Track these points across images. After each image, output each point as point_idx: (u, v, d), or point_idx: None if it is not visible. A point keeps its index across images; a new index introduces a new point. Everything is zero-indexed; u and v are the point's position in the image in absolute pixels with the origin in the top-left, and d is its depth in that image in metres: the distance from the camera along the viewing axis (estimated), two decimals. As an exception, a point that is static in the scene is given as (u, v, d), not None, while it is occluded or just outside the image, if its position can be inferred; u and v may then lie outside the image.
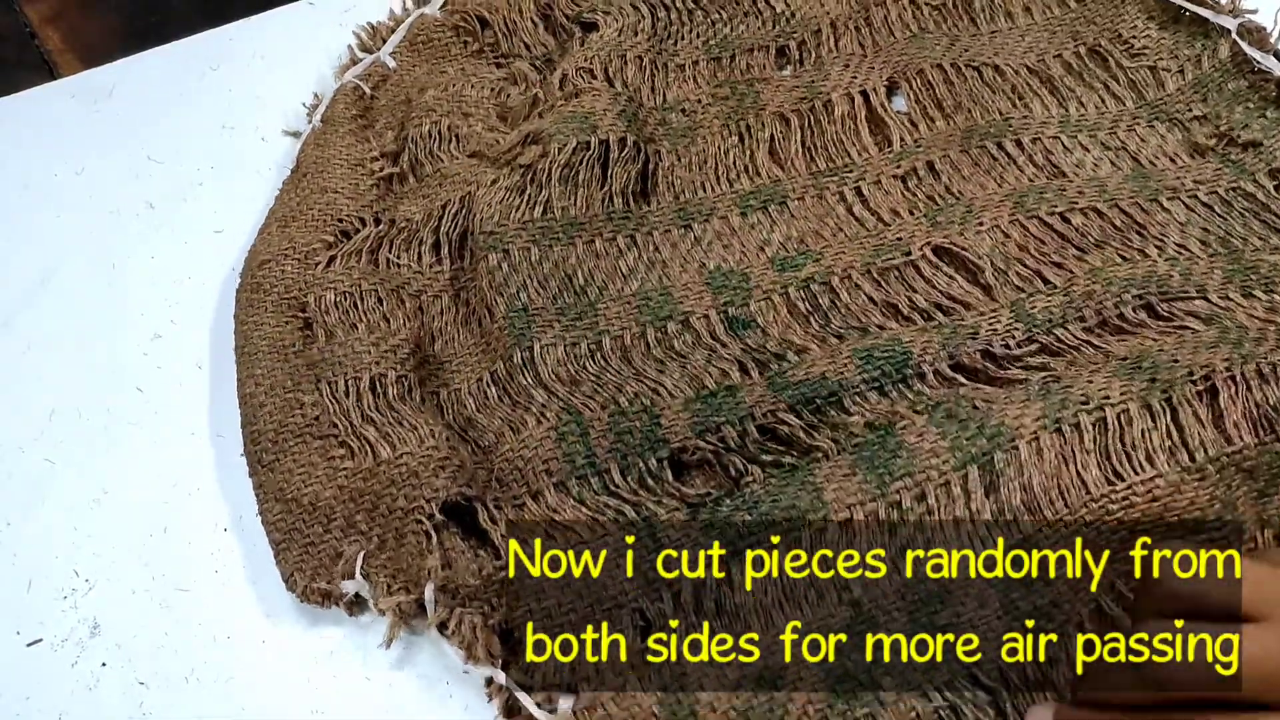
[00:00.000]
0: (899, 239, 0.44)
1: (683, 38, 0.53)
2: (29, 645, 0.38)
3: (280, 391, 0.40)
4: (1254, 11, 0.47)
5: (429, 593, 0.35)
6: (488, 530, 0.37)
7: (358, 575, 0.36)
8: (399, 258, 0.44)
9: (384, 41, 0.53)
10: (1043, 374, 0.37)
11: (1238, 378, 0.35)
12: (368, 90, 0.51)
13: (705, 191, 0.46)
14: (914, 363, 0.39)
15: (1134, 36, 0.49)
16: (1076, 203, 0.44)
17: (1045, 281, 0.41)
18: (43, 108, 0.53)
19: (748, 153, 0.48)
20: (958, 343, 0.40)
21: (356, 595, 0.36)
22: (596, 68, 0.48)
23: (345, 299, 0.42)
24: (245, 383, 0.41)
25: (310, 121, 0.50)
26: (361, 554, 0.37)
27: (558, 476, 0.38)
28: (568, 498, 0.37)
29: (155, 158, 0.50)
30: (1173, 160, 0.46)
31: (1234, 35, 0.47)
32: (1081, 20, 0.51)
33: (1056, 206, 0.44)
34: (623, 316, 0.42)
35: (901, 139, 0.48)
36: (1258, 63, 0.46)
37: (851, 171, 0.47)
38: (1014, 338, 0.40)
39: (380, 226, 0.45)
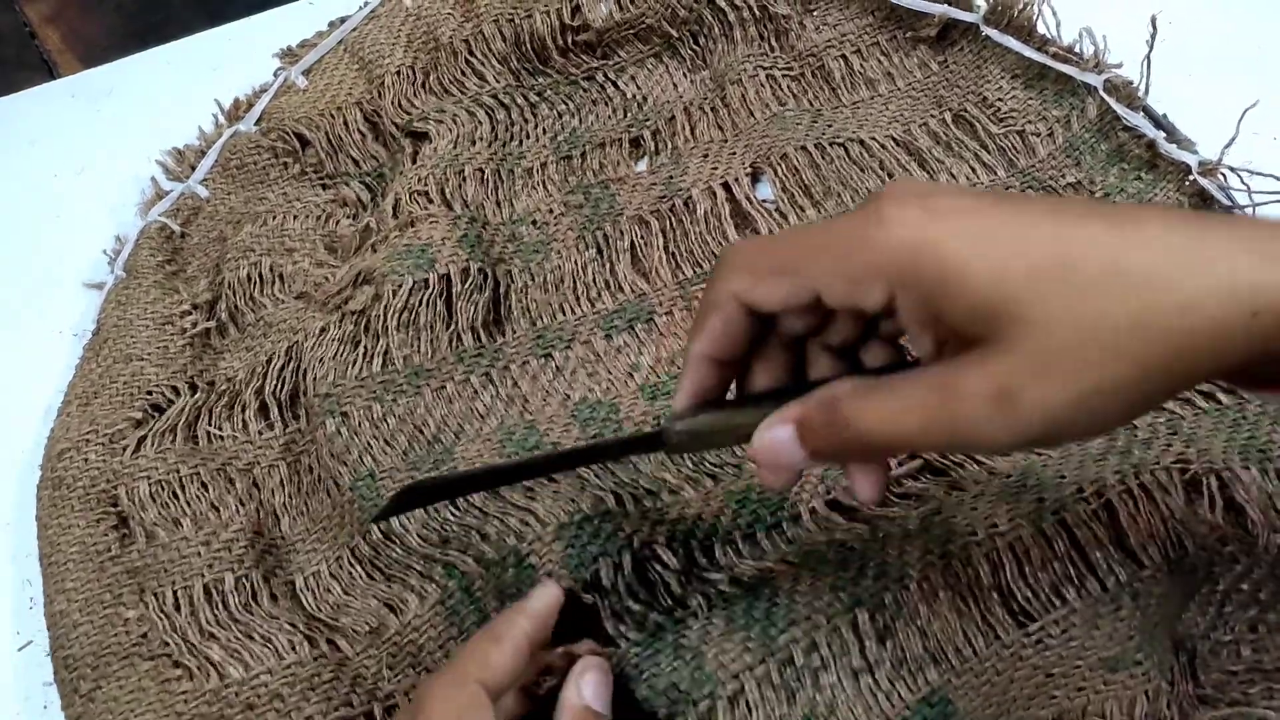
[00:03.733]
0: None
1: (528, 136, 0.53)
2: None
3: (98, 607, 0.38)
4: (1119, 66, 0.49)
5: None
6: None
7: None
8: (221, 429, 0.43)
9: (193, 169, 0.51)
10: (921, 507, 0.38)
11: (1134, 491, 0.37)
12: (176, 229, 0.50)
13: (565, 315, 0.46)
14: (790, 504, 0.39)
15: (999, 99, 0.51)
16: (956, 291, 0.45)
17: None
18: (43, 108, 0.56)
19: (607, 266, 0.48)
20: (836, 474, 0.40)
21: None
22: (432, 188, 0.48)
23: (162, 489, 0.41)
24: (55, 599, 0.39)
25: (112, 272, 0.48)
26: (201, 800, 0.35)
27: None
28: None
29: (155, 158, 0.53)
30: (1051, 233, 0.47)
31: (1100, 93, 0.49)
32: (944, 84, 0.53)
33: (936, 297, 0.44)
34: (485, 454, 0.41)
35: (770, 233, 0.48)
36: (1127, 121, 0.48)
37: (719, 276, 0.47)
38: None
39: (197, 394, 0.44)
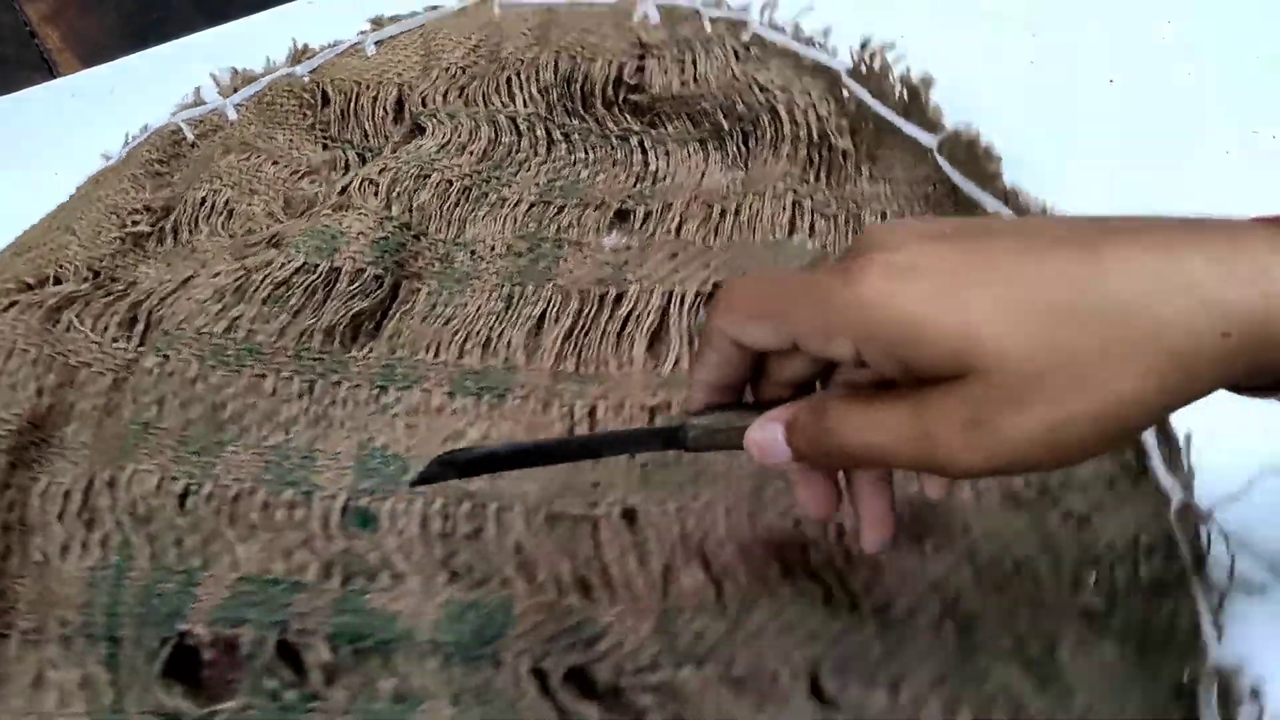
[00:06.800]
0: (594, 485, 0.39)
1: (528, 169, 0.50)
2: None
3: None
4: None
5: None
6: None
7: None
8: (82, 323, 0.44)
9: (235, 91, 0.53)
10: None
11: None
12: (190, 137, 0.51)
13: (426, 354, 0.43)
14: (505, 648, 0.34)
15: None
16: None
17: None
18: (43, 108, 0.56)
19: (501, 325, 0.44)
20: (570, 643, 0.34)
21: None
22: (384, 182, 0.46)
23: (-7, 352, 0.42)
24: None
25: (122, 152, 0.51)
26: None
27: (70, 628, 0.36)
28: (68, 657, 0.35)
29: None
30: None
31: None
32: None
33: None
34: (244, 467, 0.39)
35: (676, 364, 0.42)
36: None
37: (597, 385, 0.42)
38: (639, 660, 0.34)
39: (88, 283, 0.45)
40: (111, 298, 0.45)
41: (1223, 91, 0.48)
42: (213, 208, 0.48)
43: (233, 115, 0.52)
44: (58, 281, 0.45)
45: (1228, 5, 0.52)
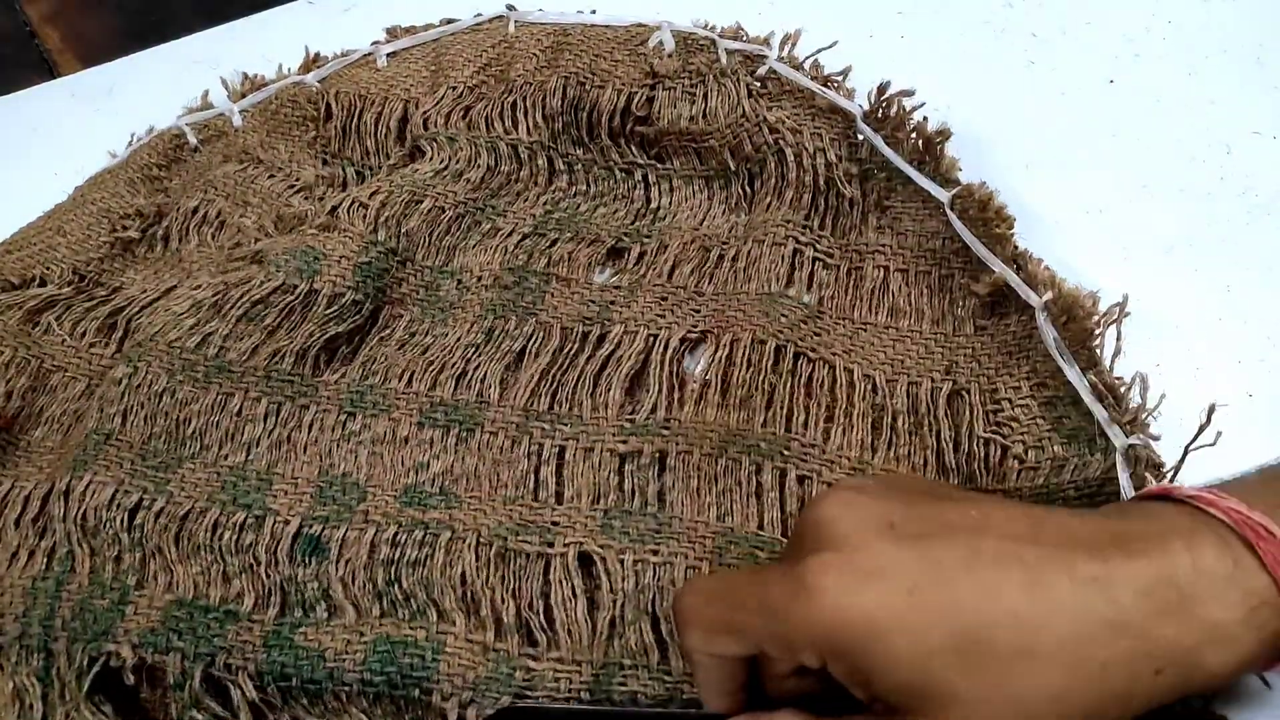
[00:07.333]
0: (554, 524, 0.38)
1: (526, 199, 0.48)
2: None
3: None
4: (1157, 438, 0.37)
5: None
6: None
7: None
8: (61, 326, 0.43)
9: (242, 96, 0.52)
10: None
11: None
12: (194, 141, 0.51)
13: (398, 382, 0.42)
14: (433, 688, 0.34)
15: (1009, 400, 0.40)
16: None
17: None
18: (43, 107, 0.56)
19: (479, 358, 0.43)
20: (500, 693, 0.33)
21: None
22: (373, 204, 0.45)
23: (-33, 350, 0.42)
24: None
25: (125, 153, 0.51)
26: None
27: (7, 638, 0.35)
28: (3, 667, 0.35)
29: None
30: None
31: (1118, 456, 0.36)
32: (968, 353, 0.42)
33: (752, 576, 0.36)
34: (199, 486, 0.39)
35: (652, 411, 0.41)
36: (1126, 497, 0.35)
37: (567, 426, 0.41)
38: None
39: (68, 288, 0.45)
40: (93, 303, 0.45)
41: (1223, 91, 0.48)
42: (204, 218, 0.47)
43: (238, 122, 0.52)
44: (42, 283, 0.45)
45: (1227, 6, 0.52)
